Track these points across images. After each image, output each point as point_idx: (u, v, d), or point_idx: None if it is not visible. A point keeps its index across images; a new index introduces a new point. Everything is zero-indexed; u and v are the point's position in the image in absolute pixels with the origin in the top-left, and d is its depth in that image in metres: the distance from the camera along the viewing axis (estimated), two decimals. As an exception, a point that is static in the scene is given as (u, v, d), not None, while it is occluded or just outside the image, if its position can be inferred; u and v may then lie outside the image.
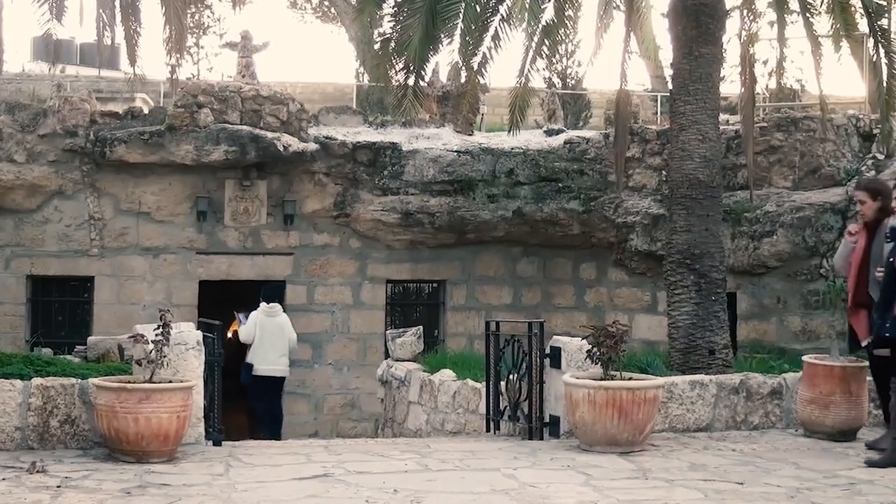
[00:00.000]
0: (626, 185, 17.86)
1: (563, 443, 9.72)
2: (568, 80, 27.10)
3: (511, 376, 10.43)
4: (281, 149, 17.53)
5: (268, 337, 15.23)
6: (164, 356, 8.61)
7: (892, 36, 14.46)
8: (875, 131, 17.13)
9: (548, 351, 10.20)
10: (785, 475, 8.25)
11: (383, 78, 15.04)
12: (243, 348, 15.51)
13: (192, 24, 27.04)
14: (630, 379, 9.42)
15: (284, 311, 16.13)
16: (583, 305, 18.99)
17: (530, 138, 18.94)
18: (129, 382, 8.52)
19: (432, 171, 18.22)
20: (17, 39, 39.67)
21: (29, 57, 29.49)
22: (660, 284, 15.80)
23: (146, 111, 18.57)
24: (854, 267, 9.61)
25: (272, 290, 16.20)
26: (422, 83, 14.60)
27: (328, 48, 67.26)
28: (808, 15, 14.72)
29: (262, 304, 15.51)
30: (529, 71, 14.41)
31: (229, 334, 17.04)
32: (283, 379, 15.67)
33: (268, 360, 15.21)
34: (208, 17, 31.11)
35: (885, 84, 14.21)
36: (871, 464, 8.64)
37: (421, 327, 14.70)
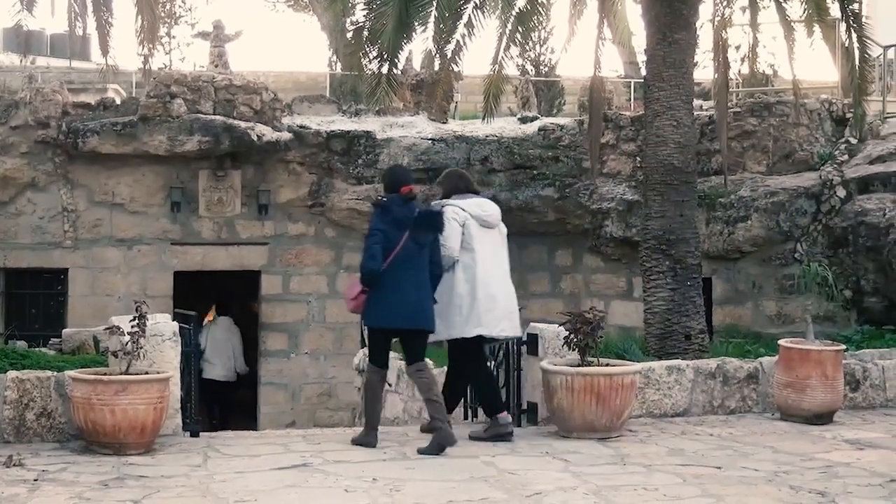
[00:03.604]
0: (600, 171, 17.86)
1: (541, 429, 9.74)
2: (541, 68, 27.11)
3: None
4: (255, 138, 17.44)
5: (213, 344, 17.13)
6: (141, 347, 8.58)
7: (864, 20, 14.50)
8: (848, 116, 17.17)
9: (525, 338, 10.21)
10: (762, 459, 8.30)
11: (357, 66, 14.99)
12: None
13: (163, 14, 26.92)
14: (607, 365, 9.44)
15: (258, 301, 16.31)
16: (559, 292, 18.98)
17: (504, 126, 18.91)
18: (105, 374, 8.49)
19: (407, 160, 18.15)
20: (-13, 31, 39.28)
21: (-1, 48, 29.33)
22: (635, 270, 15.83)
23: (118, 102, 18.45)
24: None
25: (226, 306, 17.96)
26: (395, 71, 14.53)
27: (300, 37, 67.12)
28: (780, 0, 14.77)
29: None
30: (503, 58, 14.39)
31: None
32: (225, 383, 17.45)
33: (214, 364, 17.01)
34: (180, 6, 30.95)
35: (857, 68, 14.26)
36: (420, 451, 8.54)
37: (397, 316, 14.67)
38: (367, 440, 8.86)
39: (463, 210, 9.37)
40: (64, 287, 17.91)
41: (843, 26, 14.61)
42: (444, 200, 9.57)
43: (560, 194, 18.32)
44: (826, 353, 10.17)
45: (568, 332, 9.39)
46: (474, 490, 7.12)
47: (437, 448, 8.50)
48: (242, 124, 17.45)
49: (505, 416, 9.29)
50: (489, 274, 9.33)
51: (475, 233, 9.35)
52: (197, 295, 16.70)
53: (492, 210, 9.63)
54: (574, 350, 9.41)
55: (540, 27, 22.77)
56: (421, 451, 8.51)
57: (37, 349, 11.24)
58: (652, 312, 12.61)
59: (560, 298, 18.70)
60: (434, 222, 9.07)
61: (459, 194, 9.58)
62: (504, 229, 9.76)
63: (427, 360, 9.08)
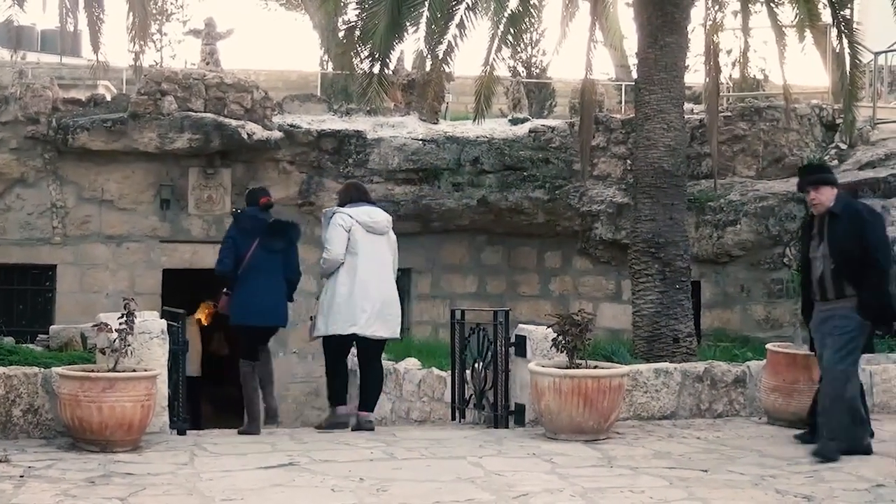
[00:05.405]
0: (590, 173, 17.87)
1: (528, 431, 9.74)
2: (533, 69, 27.16)
3: (476, 365, 10.45)
4: (245, 136, 17.43)
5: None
6: (128, 345, 8.55)
7: (855, 26, 14.53)
8: (838, 121, 17.21)
9: (513, 339, 10.22)
10: (749, 463, 8.30)
11: (348, 66, 14.99)
12: None
13: (155, 11, 26.91)
14: (595, 367, 9.44)
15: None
16: (548, 294, 19.00)
17: (495, 127, 18.92)
18: (92, 371, 8.46)
19: (397, 160, 18.16)
20: (-22, 26, 39.21)
21: (-11, 43, 29.24)
22: (624, 273, 15.85)
23: (109, 98, 18.43)
24: None
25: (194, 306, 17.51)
26: (387, 71, 14.53)
27: (292, 36, 67.10)
28: (772, 5, 14.80)
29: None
30: (495, 59, 14.40)
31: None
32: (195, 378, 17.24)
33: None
34: (171, 3, 30.98)
35: (847, 74, 14.28)
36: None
37: (386, 316, 14.67)
38: (250, 429, 10.10)
39: (350, 217, 10.05)
40: (52, 283, 17.87)
41: (834, 32, 14.65)
42: (336, 208, 10.34)
43: (550, 196, 18.33)
44: (814, 358, 10.15)
45: (556, 334, 9.40)
46: (461, 491, 7.12)
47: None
48: (233, 122, 17.44)
49: (368, 414, 10.16)
50: (369, 277, 10.01)
51: (360, 238, 10.06)
52: (185, 293, 16.64)
53: (380, 218, 10.29)
54: (562, 352, 9.41)
55: (532, 29, 22.82)
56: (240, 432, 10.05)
57: (24, 345, 11.19)
58: (640, 315, 12.62)
59: (549, 300, 18.71)
60: (284, 232, 10.34)
61: (353, 203, 10.28)
62: (393, 237, 10.43)
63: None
